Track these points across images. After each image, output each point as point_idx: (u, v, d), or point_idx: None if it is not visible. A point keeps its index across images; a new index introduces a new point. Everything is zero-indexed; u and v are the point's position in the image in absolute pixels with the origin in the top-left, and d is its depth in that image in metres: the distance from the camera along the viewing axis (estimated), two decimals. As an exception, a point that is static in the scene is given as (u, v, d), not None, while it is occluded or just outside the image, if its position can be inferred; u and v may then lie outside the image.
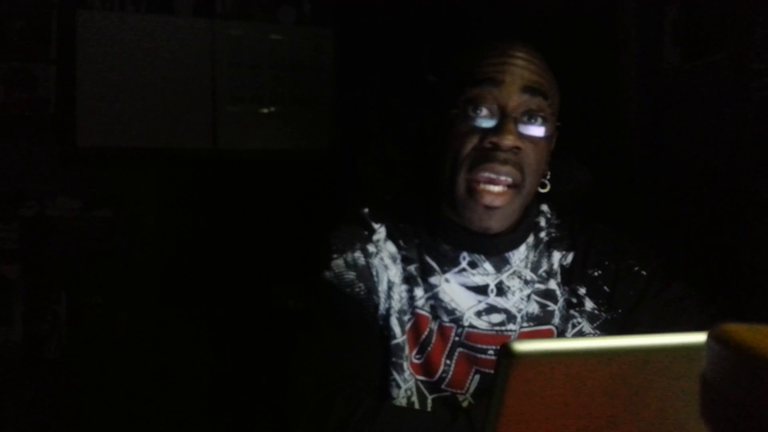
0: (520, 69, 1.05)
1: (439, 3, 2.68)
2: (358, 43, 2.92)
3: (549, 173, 1.12)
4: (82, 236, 2.75)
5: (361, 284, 1.09)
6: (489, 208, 1.03)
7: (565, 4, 2.27)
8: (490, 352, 1.07)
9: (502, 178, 1.03)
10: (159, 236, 2.86)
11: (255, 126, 2.85)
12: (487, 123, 1.04)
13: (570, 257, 1.13)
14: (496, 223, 1.05)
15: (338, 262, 1.10)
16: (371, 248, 1.12)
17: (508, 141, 1.01)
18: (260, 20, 2.94)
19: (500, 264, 1.09)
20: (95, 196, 2.78)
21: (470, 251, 1.09)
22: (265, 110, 2.87)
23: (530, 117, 1.05)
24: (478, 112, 1.04)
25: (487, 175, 1.03)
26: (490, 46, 1.08)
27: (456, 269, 1.09)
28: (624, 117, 2.08)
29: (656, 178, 1.99)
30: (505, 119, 1.02)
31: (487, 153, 1.03)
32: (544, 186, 1.12)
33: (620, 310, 1.09)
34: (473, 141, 1.04)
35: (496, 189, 1.03)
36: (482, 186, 1.03)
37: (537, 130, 1.05)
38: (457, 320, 1.08)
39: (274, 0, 2.99)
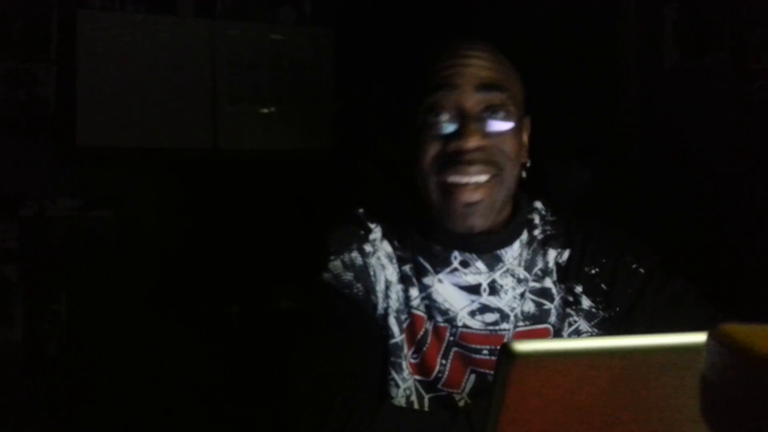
0: (474, 68, 1.05)
1: (439, 3, 2.68)
2: (358, 43, 2.92)
3: (529, 162, 1.12)
4: (82, 236, 2.75)
5: (359, 285, 1.09)
6: (468, 204, 1.03)
7: (565, 4, 2.27)
8: (485, 351, 1.07)
9: (473, 179, 1.03)
10: (159, 236, 2.86)
11: (255, 126, 2.85)
12: (449, 127, 1.04)
13: (566, 255, 1.12)
14: (479, 219, 1.05)
15: (336, 263, 1.10)
16: (368, 248, 1.12)
17: (470, 144, 1.02)
18: (260, 20, 2.94)
19: (493, 262, 1.09)
20: (95, 196, 2.79)
21: (461, 250, 1.09)
22: (265, 110, 2.87)
23: (492, 112, 1.05)
24: (440, 118, 1.04)
25: (456, 179, 1.03)
26: (441, 50, 1.09)
27: (448, 269, 1.09)
28: (624, 117, 2.08)
29: (656, 178, 1.99)
30: (465, 121, 1.03)
31: (452, 157, 1.03)
32: (524, 174, 1.11)
33: (618, 309, 1.08)
34: (437, 147, 1.04)
35: (470, 186, 1.03)
36: (455, 186, 1.03)
37: (501, 125, 1.05)
38: (450, 320, 1.08)
39: (274, 0, 2.99)
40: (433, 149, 1.04)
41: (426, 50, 1.12)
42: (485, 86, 1.04)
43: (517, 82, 1.10)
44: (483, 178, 1.03)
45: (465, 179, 1.02)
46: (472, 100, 1.04)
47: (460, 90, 1.04)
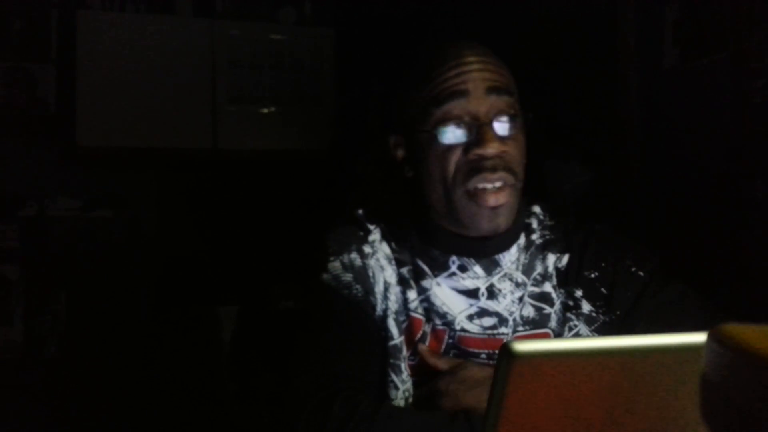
0: (480, 72, 1.04)
1: (439, 3, 2.68)
2: (358, 43, 2.92)
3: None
4: (82, 236, 2.75)
5: (358, 286, 1.09)
6: (494, 207, 1.04)
7: (565, 4, 2.27)
8: (483, 356, 1.07)
9: (498, 184, 1.03)
10: (159, 236, 2.85)
11: (255, 126, 2.85)
12: (464, 135, 1.04)
13: (565, 259, 1.12)
14: (504, 220, 1.05)
15: (335, 264, 1.10)
16: (367, 249, 1.12)
17: (492, 149, 1.02)
18: (260, 20, 2.94)
19: (490, 267, 1.09)
20: (95, 196, 2.78)
21: (459, 255, 1.09)
22: (265, 110, 2.87)
23: (503, 116, 1.04)
24: (454, 127, 1.04)
25: (482, 185, 1.03)
26: (442, 56, 1.07)
27: (446, 273, 1.09)
28: (624, 117, 2.08)
29: (656, 178, 1.99)
30: (482, 128, 1.02)
31: (476, 165, 1.03)
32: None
33: (618, 312, 1.08)
34: (457, 155, 1.04)
35: (495, 190, 1.03)
36: (481, 191, 1.03)
37: (512, 129, 1.05)
38: (449, 324, 1.08)
39: (274, 0, 2.99)
40: (452, 159, 1.04)
41: (422, 58, 1.10)
42: (495, 89, 1.04)
43: (514, 85, 1.10)
44: (504, 183, 1.04)
45: (491, 185, 1.03)
46: (485, 105, 1.03)
47: (471, 96, 1.03)
